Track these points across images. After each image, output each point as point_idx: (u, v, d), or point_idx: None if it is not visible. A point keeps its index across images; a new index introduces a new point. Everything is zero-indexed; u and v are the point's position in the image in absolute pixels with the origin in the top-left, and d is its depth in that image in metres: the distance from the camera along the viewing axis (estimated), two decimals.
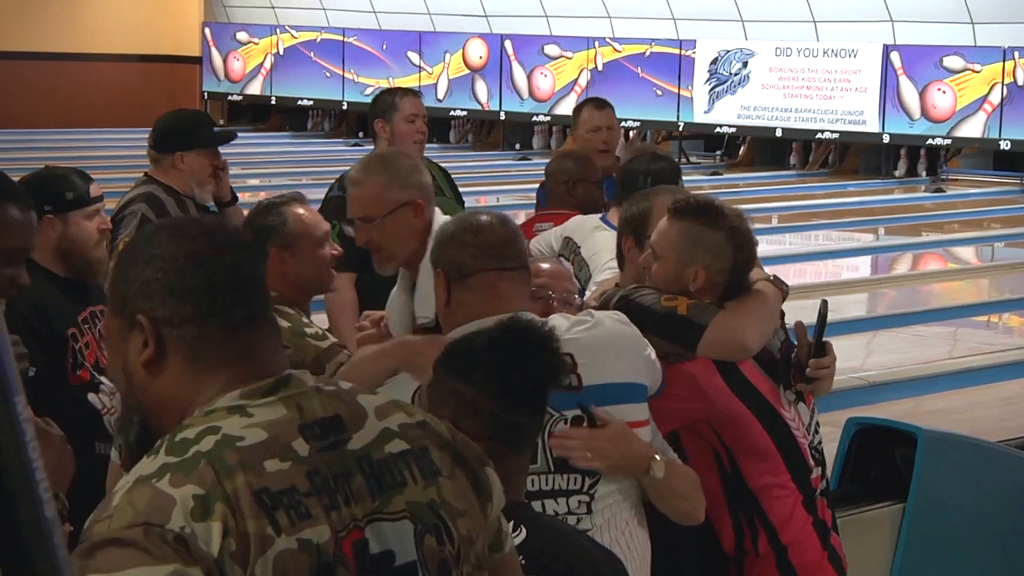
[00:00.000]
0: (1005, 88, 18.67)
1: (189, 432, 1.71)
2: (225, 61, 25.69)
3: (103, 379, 3.57)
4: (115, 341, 1.84)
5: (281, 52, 25.05)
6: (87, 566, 1.58)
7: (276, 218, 3.66)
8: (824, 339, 3.33)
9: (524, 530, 2.35)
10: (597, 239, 4.53)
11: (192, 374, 1.78)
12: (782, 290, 3.40)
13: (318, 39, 24.60)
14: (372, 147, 5.32)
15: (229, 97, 25.64)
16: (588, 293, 4.05)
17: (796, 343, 3.39)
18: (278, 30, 25.14)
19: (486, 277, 2.85)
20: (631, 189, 4.43)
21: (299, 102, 24.75)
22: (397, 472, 1.77)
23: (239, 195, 5.03)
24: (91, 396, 3.58)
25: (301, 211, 3.71)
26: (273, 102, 25.12)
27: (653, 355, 2.99)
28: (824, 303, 3.31)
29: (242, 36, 25.56)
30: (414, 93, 5.40)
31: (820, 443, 3.44)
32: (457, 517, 1.81)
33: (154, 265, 1.79)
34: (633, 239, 3.58)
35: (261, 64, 25.26)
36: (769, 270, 3.53)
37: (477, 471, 1.86)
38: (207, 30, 25.87)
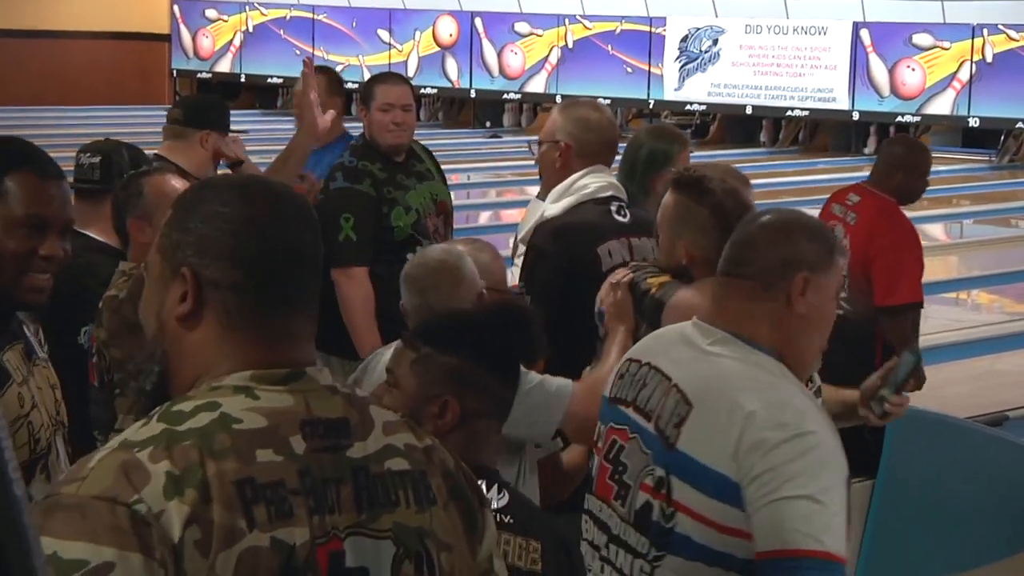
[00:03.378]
0: (974, 65, 18.73)
1: (187, 404, 1.65)
2: (194, 38, 25.54)
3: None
4: (155, 283, 1.77)
5: (250, 29, 24.92)
6: (43, 525, 1.53)
7: (134, 188, 3.60)
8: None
9: (508, 495, 2.39)
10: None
11: (223, 342, 1.71)
12: None
13: (287, 16, 24.47)
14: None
15: (198, 75, 25.49)
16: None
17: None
18: (247, 7, 25.00)
19: None
20: None
21: (269, 80, 24.63)
22: (392, 491, 1.71)
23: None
24: None
25: (164, 180, 3.62)
26: (243, 80, 24.99)
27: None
28: (918, 358, 3.22)
29: (211, 13, 25.41)
30: (394, 79, 5.19)
31: None
32: (442, 550, 1.73)
33: (215, 223, 1.72)
34: None
35: (230, 42, 25.13)
36: None
37: (474, 510, 1.79)
38: (176, 7, 25.70)
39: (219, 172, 4.80)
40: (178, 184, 3.60)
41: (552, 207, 3.98)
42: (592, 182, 3.99)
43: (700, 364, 2.52)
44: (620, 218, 3.95)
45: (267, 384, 1.68)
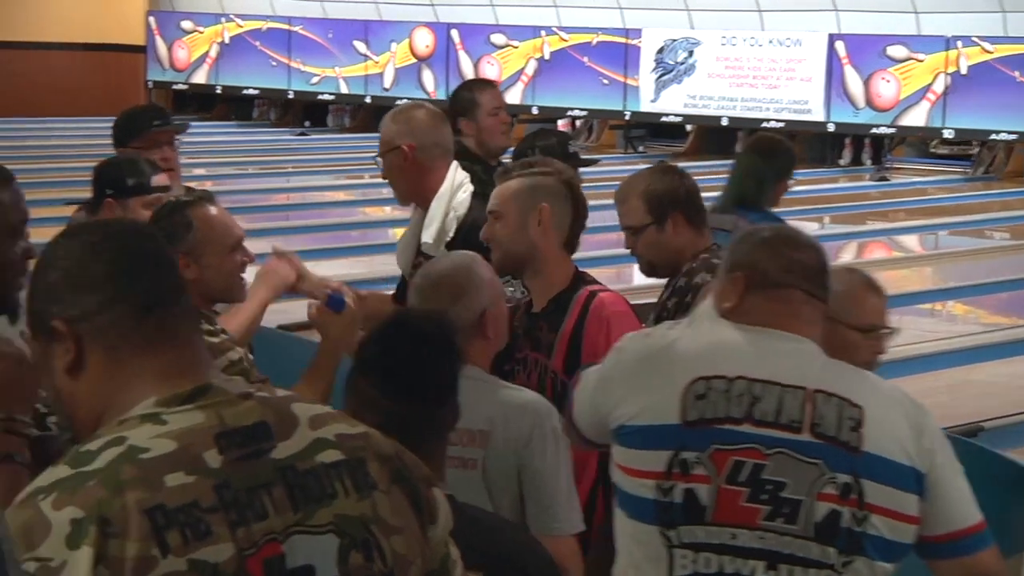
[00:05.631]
0: (948, 77, 18.82)
1: (95, 443, 1.65)
2: (170, 50, 25.49)
3: None
4: (43, 364, 1.78)
5: (227, 41, 24.88)
6: None
7: (180, 219, 3.37)
8: None
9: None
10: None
11: (114, 365, 1.72)
12: None
13: (264, 28, 24.44)
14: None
15: (174, 86, 25.45)
16: None
17: None
18: (223, 19, 24.97)
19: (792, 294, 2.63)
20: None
21: (245, 91, 24.59)
22: (327, 483, 1.71)
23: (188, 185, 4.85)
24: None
25: (211, 212, 3.41)
26: (219, 91, 24.94)
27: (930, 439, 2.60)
28: None
29: (187, 25, 25.37)
30: (490, 84, 5.40)
31: None
32: (392, 534, 1.73)
33: (54, 267, 1.76)
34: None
35: (206, 53, 25.08)
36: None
37: (419, 490, 1.78)
38: (152, 19, 25.66)
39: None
40: (216, 212, 3.41)
41: (457, 202, 4.24)
42: (461, 175, 4.31)
43: (818, 367, 2.57)
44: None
45: (174, 406, 1.68)
